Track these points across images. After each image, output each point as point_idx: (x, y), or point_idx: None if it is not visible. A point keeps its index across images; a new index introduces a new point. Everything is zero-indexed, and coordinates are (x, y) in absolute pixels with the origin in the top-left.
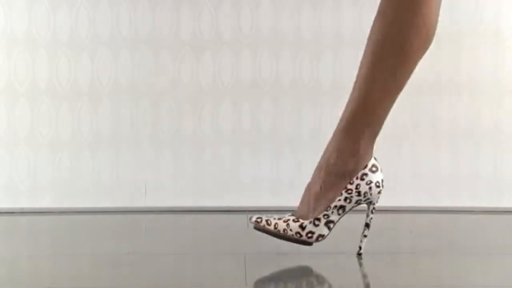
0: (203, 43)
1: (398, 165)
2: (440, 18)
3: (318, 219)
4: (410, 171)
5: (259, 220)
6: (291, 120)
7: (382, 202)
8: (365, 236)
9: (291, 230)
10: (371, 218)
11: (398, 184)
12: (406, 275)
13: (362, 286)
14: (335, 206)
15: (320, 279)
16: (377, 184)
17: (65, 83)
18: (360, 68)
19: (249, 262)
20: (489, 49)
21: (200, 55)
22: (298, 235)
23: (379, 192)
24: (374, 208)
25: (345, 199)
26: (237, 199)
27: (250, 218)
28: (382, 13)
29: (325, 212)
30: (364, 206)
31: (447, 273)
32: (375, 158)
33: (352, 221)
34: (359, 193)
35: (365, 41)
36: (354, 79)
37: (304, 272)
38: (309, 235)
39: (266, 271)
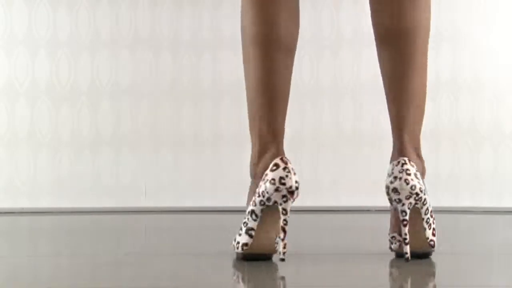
0: (203, 43)
1: None
2: (440, 19)
3: (240, 228)
4: None
5: None
6: (290, 120)
7: (381, 202)
8: (282, 239)
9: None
10: (284, 221)
11: None
12: (406, 275)
13: (362, 286)
14: (248, 212)
15: (320, 280)
16: (272, 181)
17: (65, 83)
18: None
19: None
20: (489, 50)
21: (200, 55)
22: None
23: (276, 190)
24: (284, 210)
25: (253, 202)
26: (237, 199)
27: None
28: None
29: (244, 220)
30: (363, 205)
31: (447, 273)
32: (282, 158)
33: (353, 221)
34: (259, 194)
35: (365, 41)
36: (353, 79)
37: (306, 273)
38: (237, 245)
39: (265, 271)
